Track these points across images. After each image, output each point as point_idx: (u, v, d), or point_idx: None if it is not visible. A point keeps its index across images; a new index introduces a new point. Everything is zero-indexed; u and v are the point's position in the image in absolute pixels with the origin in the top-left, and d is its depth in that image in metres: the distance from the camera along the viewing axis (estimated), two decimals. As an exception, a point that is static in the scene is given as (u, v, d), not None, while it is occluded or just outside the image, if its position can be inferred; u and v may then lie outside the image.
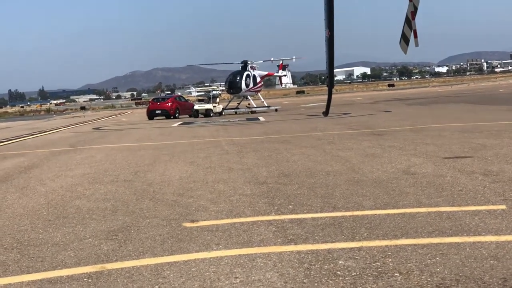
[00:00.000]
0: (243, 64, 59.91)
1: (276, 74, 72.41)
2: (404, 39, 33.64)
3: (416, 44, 32.54)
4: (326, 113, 35.01)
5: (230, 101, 64.53)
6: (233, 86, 58.04)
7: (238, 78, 58.02)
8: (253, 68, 60.86)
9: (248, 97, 60.28)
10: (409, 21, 32.39)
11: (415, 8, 31.63)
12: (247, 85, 58.05)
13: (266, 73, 67.00)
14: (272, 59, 69.31)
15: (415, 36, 32.28)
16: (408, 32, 32.95)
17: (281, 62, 71.91)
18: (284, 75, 76.88)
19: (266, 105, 59.98)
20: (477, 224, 7.68)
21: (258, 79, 61.13)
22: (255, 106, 57.10)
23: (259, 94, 62.94)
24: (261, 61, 67.83)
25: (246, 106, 59.15)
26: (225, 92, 62.02)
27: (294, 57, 71.78)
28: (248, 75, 58.51)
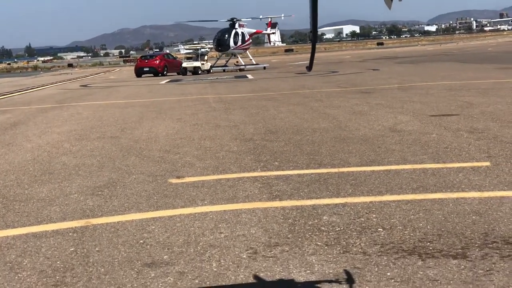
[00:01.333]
0: (231, 22, 59.51)
1: (264, 32, 72.00)
2: (389, -6, 33.37)
3: None
4: (309, 68, 34.88)
5: (218, 59, 64.20)
6: (221, 44, 57.70)
7: (226, 35, 57.67)
8: (241, 26, 60.48)
9: (237, 55, 60.00)
10: None
11: None
12: (235, 43, 57.73)
13: (254, 30, 66.59)
14: (261, 16, 68.83)
15: None
16: (392, -13, 32.71)
17: (270, 20, 71.45)
18: (273, 33, 76.43)
19: (255, 63, 59.76)
20: (461, 180, 7.72)
21: (247, 37, 60.79)
22: (243, 64, 56.89)
23: (247, 52, 62.64)
24: (250, 19, 67.34)
25: (235, 63, 58.92)
26: (214, 50, 61.66)
27: (283, 15, 71.38)
28: (236, 33, 58.16)
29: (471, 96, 17.61)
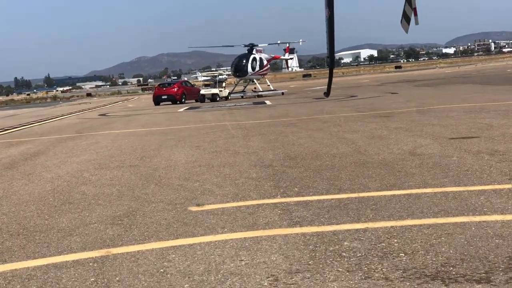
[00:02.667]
0: (249, 47, 59.68)
1: (282, 57, 72.18)
2: (405, 18, 33.43)
3: (416, 22, 32.31)
4: (327, 94, 34.87)
5: (236, 85, 64.34)
6: (239, 70, 57.86)
7: (244, 61, 57.81)
8: (259, 52, 60.63)
9: (254, 80, 60.14)
10: (410, 0, 32.13)
11: None
12: (253, 69, 57.88)
13: (272, 56, 66.77)
14: (278, 41, 69.00)
15: (415, 14, 32.07)
16: (409, 10, 32.72)
17: (287, 45, 71.64)
18: (291, 58, 76.59)
19: (272, 88, 59.86)
20: (483, 203, 7.65)
21: (265, 63, 60.94)
22: (261, 90, 57.00)
23: (265, 77, 62.81)
24: (267, 44, 67.49)
25: (252, 90, 59.03)
26: (232, 75, 61.86)
27: (300, 40, 71.55)
28: (254, 58, 58.32)
29: (491, 118, 17.50)
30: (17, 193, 11.23)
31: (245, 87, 62.78)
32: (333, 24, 33.45)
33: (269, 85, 61.33)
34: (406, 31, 32.92)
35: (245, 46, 60.42)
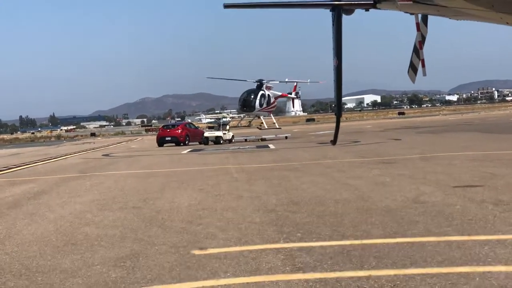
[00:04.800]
0: (258, 83, 59.87)
1: (289, 96, 72.52)
2: (412, 68, 33.59)
3: (424, 74, 32.45)
4: (334, 142, 35.04)
5: (242, 119, 64.45)
6: (247, 105, 58.07)
7: (252, 96, 58.00)
8: (268, 88, 60.87)
9: (261, 117, 60.35)
10: (417, 51, 32.35)
11: (423, 38, 31.60)
12: (261, 105, 58.10)
13: (280, 93, 67.01)
14: (286, 79, 69.31)
15: (423, 65, 32.21)
16: (416, 61, 32.91)
17: (295, 84, 72.03)
18: (297, 97, 76.91)
19: (278, 126, 60.03)
20: (487, 253, 7.63)
21: (272, 100, 61.21)
22: (266, 127, 57.12)
23: (271, 114, 63.04)
24: (277, 82, 67.69)
25: (258, 126, 59.14)
26: (236, 114, 62.13)
27: (308, 80, 71.93)
28: (263, 95, 58.57)
29: (495, 167, 17.51)
30: (20, 232, 11.22)
31: (250, 122, 62.96)
32: (340, 73, 33.72)
33: (274, 123, 61.50)
34: (413, 81, 33.07)
35: (255, 82, 60.64)
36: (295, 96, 74.25)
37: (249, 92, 58.94)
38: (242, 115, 64.53)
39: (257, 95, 58.11)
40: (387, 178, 16.39)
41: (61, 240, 10.25)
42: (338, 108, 36.40)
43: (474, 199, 11.91)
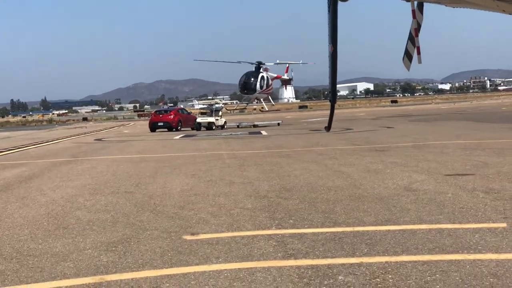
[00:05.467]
0: (256, 65, 59.86)
1: (283, 77, 72.75)
2: (408, 56, 33.61)
3: (419, 61, 32.46)
4: (328, 128, 35.11)
5: (239, 104, 64.66)
6: (247, 87, 58.27)
7: (252, 79, 58.16)
8: (266, 70, 60.96)
9: (262, 100, 60.62)
10: (413, 38, 32.36)
11: (419, 25, 31.62)
12: (261, 87, 58.41)
13: (275, 75, 67.21)
14: (278, 61, 69.39)
15: (418, 53, 32.23)
16: (412, 48, 32.94)
17: (287, 66, 72.14)
18: (291, 79, 77.07)
19: (276, 108, 60.34)
20: (477, 241, 7.66)
21: (270, 82, 61.41)
22: (267, 109, 57.26)
23: (269, 96, 63.38)
24: (273, 64, 67.69)
25: (260, 109, 59.26)
26: (239, 92, 62.25)
27: (301, 61, 72.08)
28: (262, 77, 58.82)
29: (486, 155, 17.56)
30: (11, 216, 11.21)
31: (247, 103, 63.19)
32: (336, 60, 33.77)
33: (273, 105, 61.86)
34: (408, 69, 33.13)
35: (253, 64, 60.62)
36: (288, 78, 74.40)
37: (248, 75, 59.05)
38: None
39: (257, 77, 58.33)
40: (379, 165, 16.41)
41: (52, 224, 10.24)
42: (333, 94, 36.45)
43: (465, 187, 11.95)
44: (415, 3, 30.82)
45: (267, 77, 58.80)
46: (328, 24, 33.89)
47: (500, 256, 6.96)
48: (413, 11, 30.77)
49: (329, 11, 32.63)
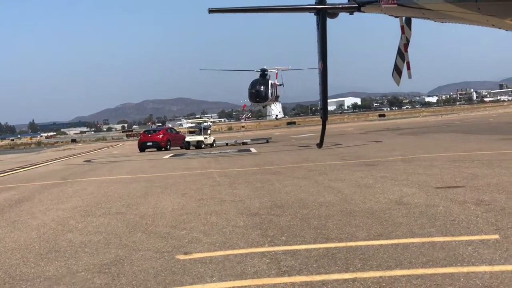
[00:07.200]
0: (261, 72, 60.11)
1: (275, 82, 73.30)
2: (397, 71, 33.81)
3: (409, 76, 32.66)
4: (320, 145, 35.15)
5: (251, 110, 64.96)
6: (259, 96, 58.78)
7: (263, 87, 58.57)
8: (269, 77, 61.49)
9: (272, 105, 61.09)
10: (402, 53, 32.56)
11: (407, 41, 31.82)
12: (271, 94, 58.87)
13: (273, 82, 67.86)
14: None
15: (408, 68, 32.43)
16: (401, 64, 33.11)
17: (276, 72, 72.66)
18: (281, 85, 77.66)
19: (281, 113, 60.74)
20: (470, 254, 7.68)
21: (276, 88, 61.97)
22: (281, 113, 57.52)
23: (276, 103, 63.93)
24: (275, 69, 68.13)
25: (276, 117, 59.34)
26: (248, 100, 62.38)
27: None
28: (271, 84, 59.23)
29: (475, 167, 17.62)
30: (3, 240, 11.16)
31: (251, 110, 63.59)
32: (326, 77, 33.90)
33: (280, 111, 62.29)
34: (398, 84, 33.34)
35: (257, 71, 60.95)
36: (279, 84, 75.04)
37: (258, 83, 59.37)
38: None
39: (267, 85, 58.80)
40: (370, 180, 16.44)
41: (44, 247, 10.20)
42: (324, 111, 36.56)
43: (456, 200, 11.98)
44: (404, 18, 30.92)
45: (273, 83, 59.63)
46: (318, 42, 34.04)
47: (494, 268, 6.98)
48: (402, 27, 30.86)
49: (318, 28, 32.75)
